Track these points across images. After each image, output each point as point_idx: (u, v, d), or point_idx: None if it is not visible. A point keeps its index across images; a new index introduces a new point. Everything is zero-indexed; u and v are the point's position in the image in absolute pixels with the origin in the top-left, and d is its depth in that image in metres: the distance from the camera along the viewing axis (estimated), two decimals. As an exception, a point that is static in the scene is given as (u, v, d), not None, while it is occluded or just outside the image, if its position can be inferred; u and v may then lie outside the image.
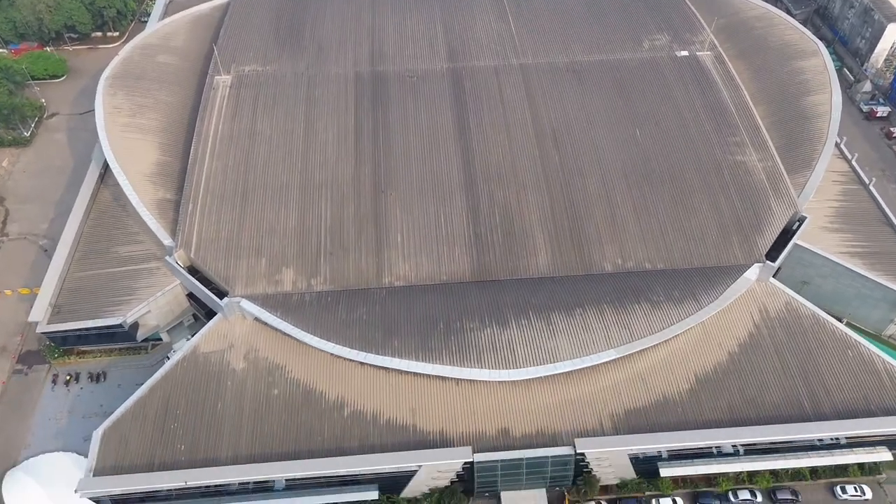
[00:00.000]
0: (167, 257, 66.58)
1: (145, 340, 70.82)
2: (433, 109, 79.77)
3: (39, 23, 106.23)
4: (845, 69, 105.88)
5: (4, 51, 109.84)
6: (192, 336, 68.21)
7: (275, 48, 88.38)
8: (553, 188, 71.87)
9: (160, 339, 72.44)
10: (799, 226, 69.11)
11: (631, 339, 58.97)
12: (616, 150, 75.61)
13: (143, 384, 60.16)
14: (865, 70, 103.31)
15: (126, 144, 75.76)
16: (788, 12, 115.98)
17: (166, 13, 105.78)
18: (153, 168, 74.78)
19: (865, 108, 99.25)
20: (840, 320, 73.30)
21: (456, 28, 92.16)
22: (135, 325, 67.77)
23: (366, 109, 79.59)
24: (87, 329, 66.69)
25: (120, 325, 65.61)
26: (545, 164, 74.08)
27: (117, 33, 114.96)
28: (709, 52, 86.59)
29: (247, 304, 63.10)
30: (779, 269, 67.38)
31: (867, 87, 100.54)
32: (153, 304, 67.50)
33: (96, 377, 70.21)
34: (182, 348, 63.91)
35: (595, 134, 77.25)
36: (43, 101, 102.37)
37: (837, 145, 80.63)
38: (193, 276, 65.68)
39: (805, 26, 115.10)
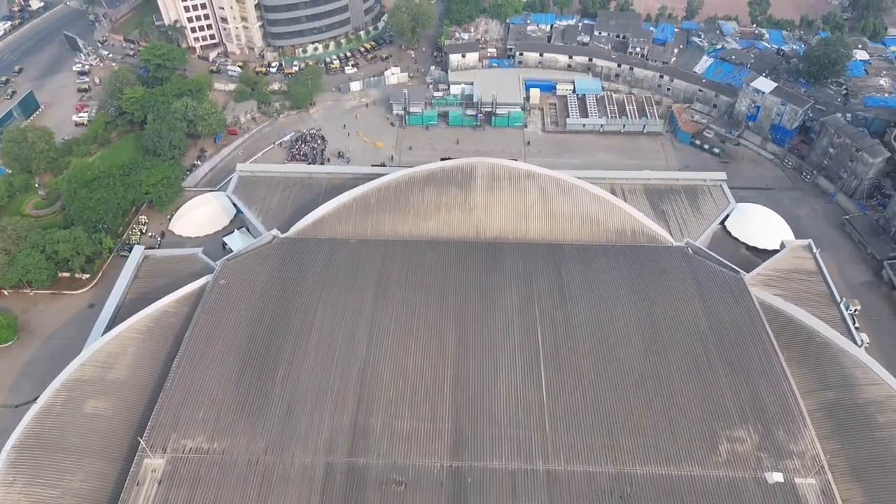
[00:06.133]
0: None
1: None
2: (418, 563, 58.13)
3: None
4: None
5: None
6: None
7: (234, 403, 68.54)
8: None
9: None
10: None
11: None
12: None
13: None
14: None
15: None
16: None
17: (136, 276, 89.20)
18: None
19: None
20: None
21: (469, 384, 70.76)
22: None
23: (326, 553, 58.58)
24: None
25: None
26: None
27: (87, 275, 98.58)
28: (812, 481, 62.45)
29: None
30: None
31: None
32: None
33: None
34: None
35: None
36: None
37: None
38: None
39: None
